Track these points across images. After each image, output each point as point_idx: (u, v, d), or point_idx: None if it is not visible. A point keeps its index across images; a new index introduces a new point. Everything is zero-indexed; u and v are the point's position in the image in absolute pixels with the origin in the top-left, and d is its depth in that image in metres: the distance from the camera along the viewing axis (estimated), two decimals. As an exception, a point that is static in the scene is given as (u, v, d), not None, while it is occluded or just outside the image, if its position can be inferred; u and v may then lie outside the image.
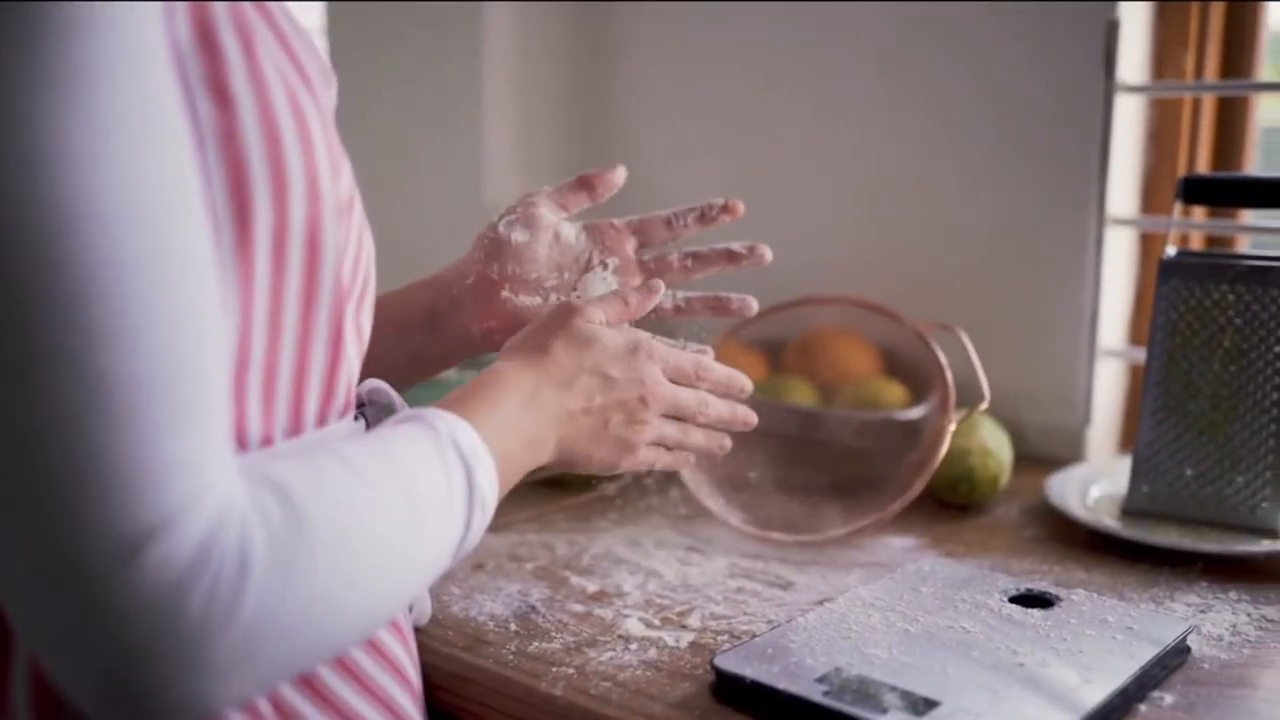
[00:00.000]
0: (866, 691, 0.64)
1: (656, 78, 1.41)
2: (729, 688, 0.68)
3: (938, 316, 1.16)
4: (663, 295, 0.80)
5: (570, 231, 0.84)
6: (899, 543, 0.95)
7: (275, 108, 0.53)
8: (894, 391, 1.10)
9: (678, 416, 0.76)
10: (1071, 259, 1.13)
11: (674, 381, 0.75)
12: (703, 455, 0.79)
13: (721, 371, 0.78)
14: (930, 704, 0.63)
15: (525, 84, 1.39)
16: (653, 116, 1.42)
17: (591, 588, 0.85)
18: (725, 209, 0.87)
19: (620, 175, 0.86)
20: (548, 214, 0.83)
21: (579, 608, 0.82)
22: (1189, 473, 0.94)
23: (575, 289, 0.83)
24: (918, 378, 1.06)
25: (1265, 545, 0.89)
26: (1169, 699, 0.68)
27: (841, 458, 1.05)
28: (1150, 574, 0.87)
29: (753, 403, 1.06)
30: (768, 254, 0.87)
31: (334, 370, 0.60)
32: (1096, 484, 1.04)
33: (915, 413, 1.05)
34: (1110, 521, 0.95)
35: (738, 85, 1.34)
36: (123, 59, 0.46)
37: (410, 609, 0.76)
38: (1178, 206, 0.97)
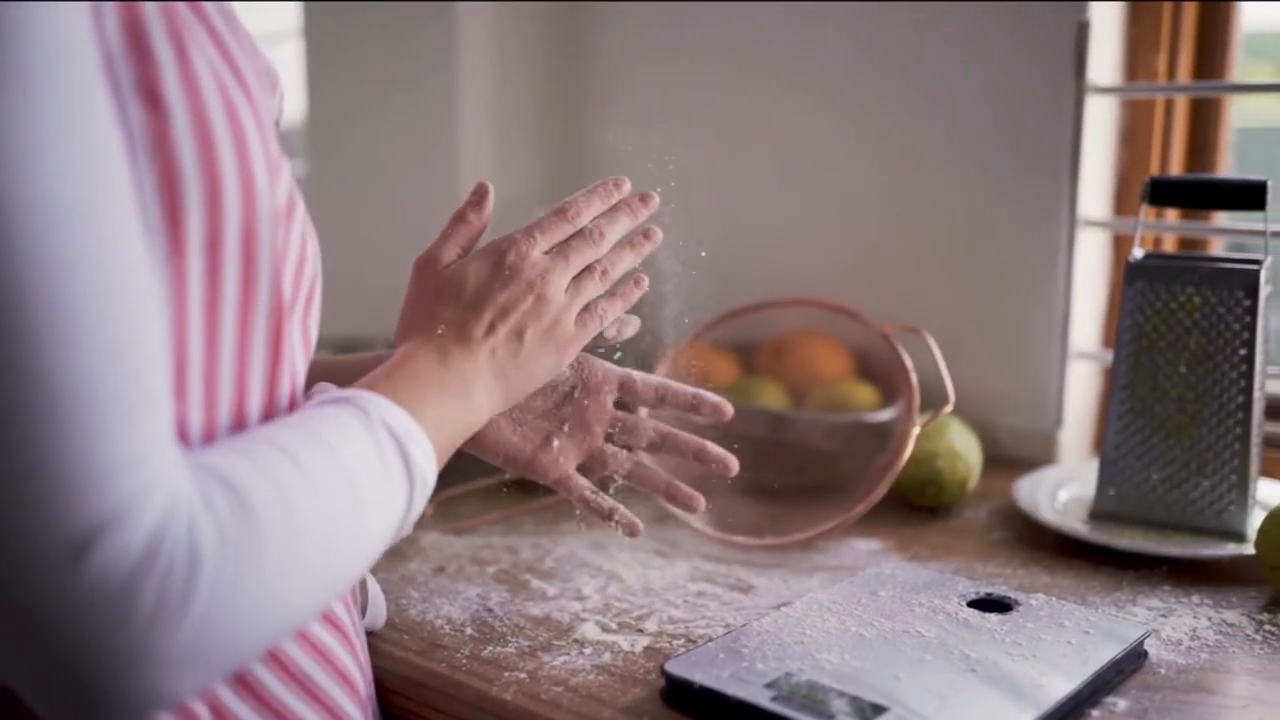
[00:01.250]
0: (815, 697, 0.64)
1: (632, 79, 1.40)
2: (678, 693, 0.68)
3: (910, 318, 1.15)
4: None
5: None
6: (864, 545, 0.95)
7: (208, 111, 0.53)
8: (864, 394, 1.10)
9: (582, 265, 0.73)
10: (1043, 261, 1.12)
11: (560, 245, 0.73)
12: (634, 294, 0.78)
13: (583, 201, 0.75)
14: (878, 709, 0.63)
15: (501, 86, 1.39)
16: (628, 118, 1.42)
17: (551, 591, 0.85)
18: (717, 412, 0.82)
19: (632, 329, 0.83)
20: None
21: (537, 611, 0.81)
22: (1155, 476, 0.94)
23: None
24: (890, 380, 1.06)
25: (1230, 549, 0.89)
26: (1122, 704, 0.68)
27: (810, 460, 1.05)
28: (1114, 577, 0.87)
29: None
30: (733, 467, 0.82)
31: (275, 375, 0.60)
32: (1066, 487, 1.03)
33: (883, 415, 1.04)
34: (1076, 525, 0.94)
35: (713, 88, 1.34)
36: (49, 60, 0.46)
37: (364, 614, 0.76)
38: (1144, 208, 0.96)
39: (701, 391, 0.83)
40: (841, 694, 0.64)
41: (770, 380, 1.15)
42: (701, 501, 0.83)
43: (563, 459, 0.79)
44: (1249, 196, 0.92)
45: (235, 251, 0.55)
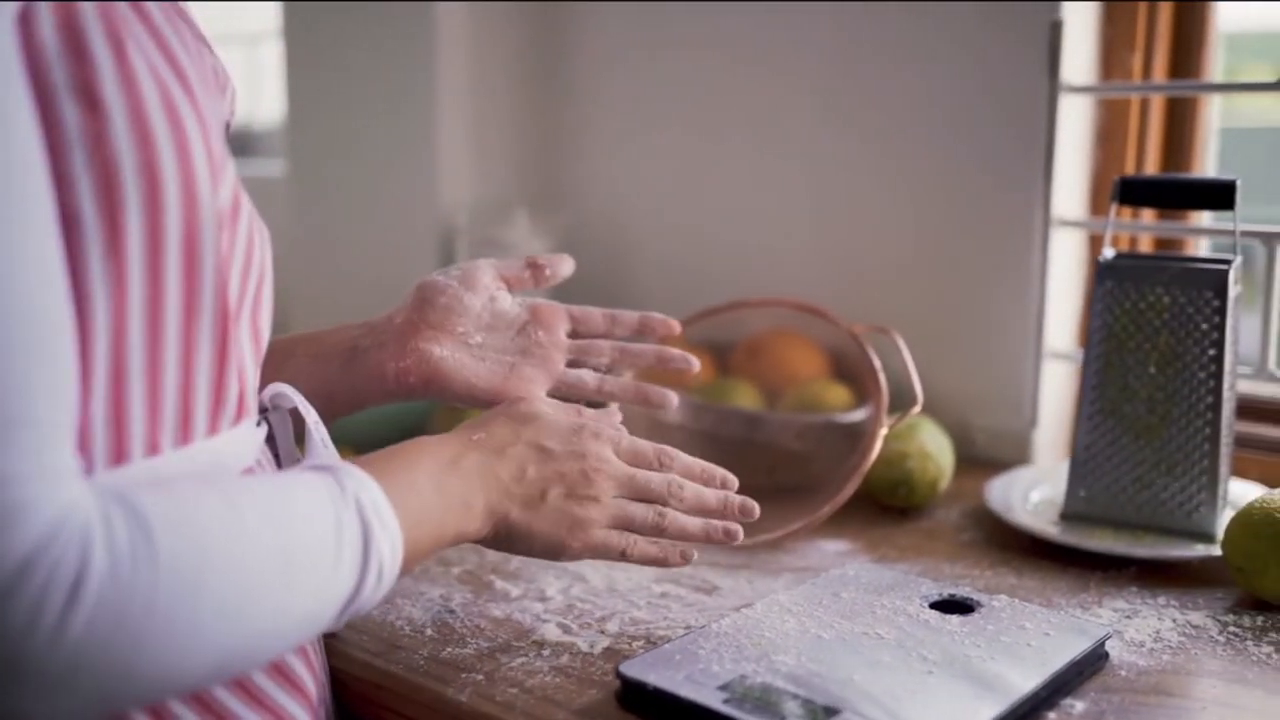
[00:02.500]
0: (767, 700, 0.64)
1: (610, 79, 1.40)
2: (633, 695, 0.67)
3: (886, 318, 1.15)
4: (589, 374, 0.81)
5: (508, 300, 0.83)
6: (832, 546, 0.94)
7: (148, 111, 0.53)
8: (837, 394, 1.10)
9: (643, 499, 0.72)
10: (1018, 261, 1.12)
11: (634, 465, 0.72)
12: (704, 544, 0.74)
13: (688, 459, 0.74)
14: (830, 712, 0.63)
15: (479, 86, 1.38)
16: (607, 117, 1.41)
17: (514, 592, 0.84)
18: (665, 329, 0.84)
19: (568, 267, 0.85)
20: (487, 279, 0.82)
21: (498, 612, 0.81)
22: (1126, 477, 0.94)
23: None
24: (864, 381, 1.06)
25: (1199, 550, 0.89)
26: (1080, 706, 0.67)
27: (782, 461, 1.04)
28: (1082, 578, 0.87)
29: (692, 405, 1.06)
30: (696, 365, 0.85)
31: (222, 377, 0.59)
32: (1039, 487, 1.03)
33: (855, 416, 1.04)
34: (1045, 526, 0.94)
35: (691, 88, 1.33)
36: None
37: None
38: (1114, 208, 0.96)
39: (648, 314, 0.85)
40: (795, 696, 0.64)
41: (745, 381, 1.15)
42: (673, 398, 0.83)
43: (530, 385, 0.80)
44: (1218, 196, 0.92)
45: (177, 252, 0.55)
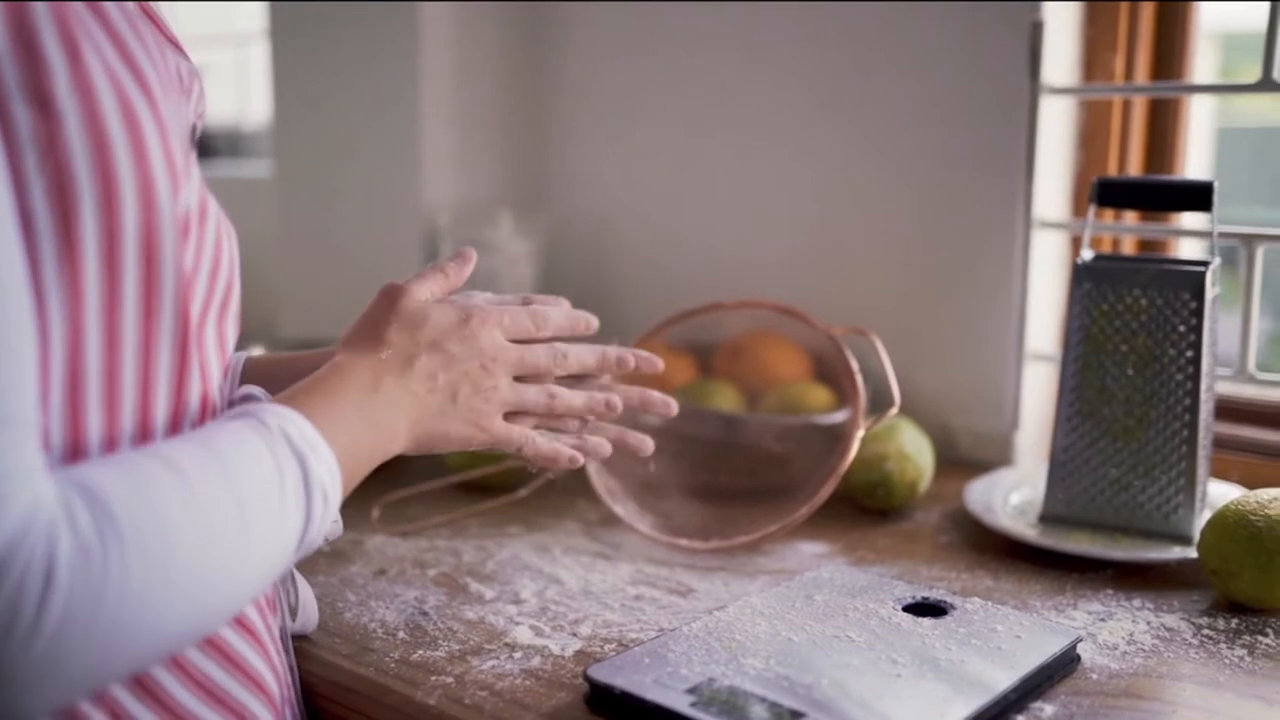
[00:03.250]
0: (734, 703, 0.64)
1: (595, 79, 1.40)
2: (600, 698, 0.67)
3: (868, 320, 1.15)
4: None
5: None
6: (810, 549, 0.94)
7: (103, 116, 0.52)
8: (819, 396, 1.09)
9: (534, 377, 0.75)
10: (999, 262, 1.12)
11: (521, 341, 0.75)
12: (589, 417, 0.78)
13: (558, 314, 0.77)
14: (796, 715, 0.62)
15: (463, 86, 1.38)
16: (591, 118, 1.41)
17: (489, 594, 0.84)
18: (642, 369, 0.83)
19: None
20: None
21: (472, 615, 0.81)
22: (1103, 479, 0.93)
23: None
24: (844, 383, 1.05)
25: (1176, 552, 0.88)
26: (1049, 709, 0.67)
27: (762, 462, 1.04)
28: (1058, 581, 0.86)
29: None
30: (674, 408, 0.84)
31: (183, 379, 0.59)
32: (1020, 489, 1.03)
33: (835, 417, 1.04)
34: (1022, 528, 0.94)
35: (675, 87, 1.33)
36: None
37: (294, 618, 0.76)
38: (1093, 210, 0.96)
39: (635, 351, 0.84)
40: (762, 699, 0.64)
41: (726, 382, 1.14)
42: (650, 442, 0.83)
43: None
44: (1195, 198, 0.92)
45: (134, 257, 0.55)
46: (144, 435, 0.57)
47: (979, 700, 0.65)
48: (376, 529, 0.97)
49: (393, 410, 0.68)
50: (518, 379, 0.75)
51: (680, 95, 1.33)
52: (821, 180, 1.24)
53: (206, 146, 1.94)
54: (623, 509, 0.96)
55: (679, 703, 0.64)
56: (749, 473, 1.04)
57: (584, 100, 1.41)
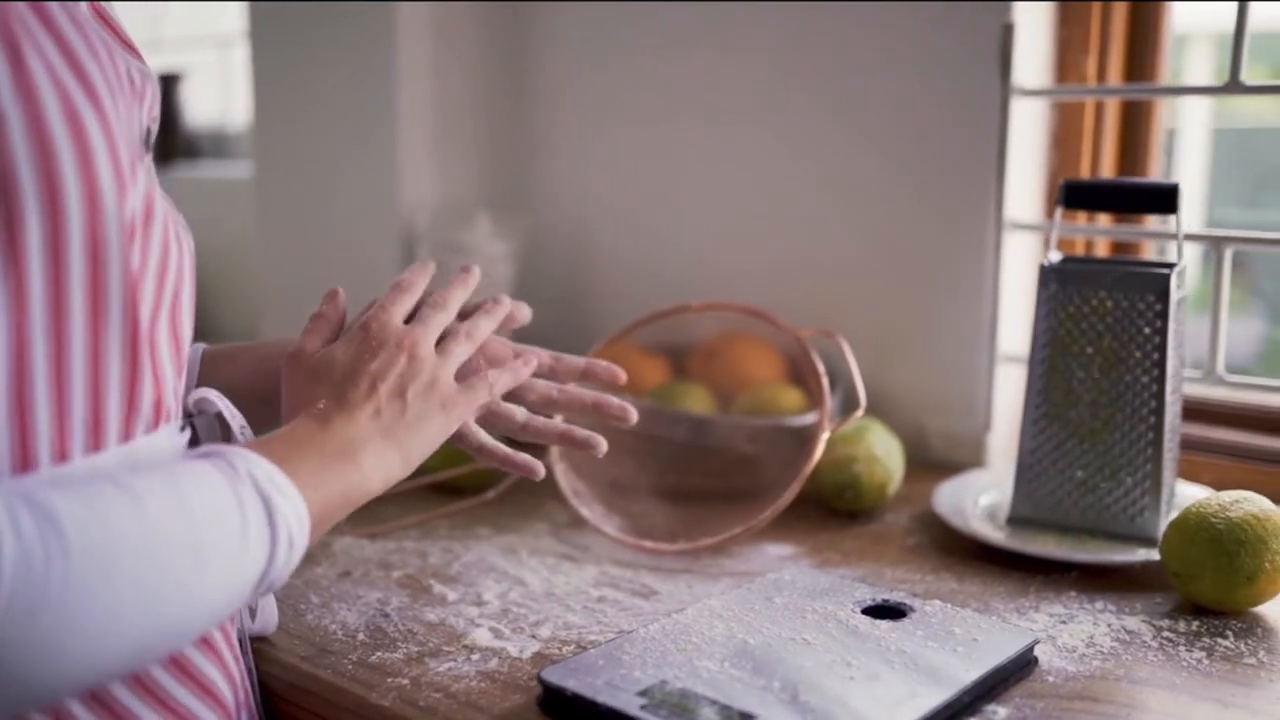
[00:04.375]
0: (685, 705, 0.64)
1: (573, 81, 1.40)
2: (553, 700, 0.67)
3: (840, 322, 1.15)
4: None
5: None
6: (776, 551, 0.94)
7: (46, 119, 0.52)
8: (790, 397, 1.09)
9: (442, 331, 0.75)
10: (972, 264, 1.12)
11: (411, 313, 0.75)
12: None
13: (419, 277, 0.77)
14: (746, 717, 0.62)
15: (440, 88, 1.38)
16: (569, 120, 1.41)
17: (452, 596, 0.84)
18: (610, 375, 0.84)
19: (525, 315, 0.84)
20: None
21: (433, 617, 0.81)
22: (1070, 481, 0.93)
23: None
24: (813, 384, 1.05)
25: (1140, 554, 0.88)
26: (1003, 712, 0.67)
27: (733, 464, 1.04)
28: (1022, 583, 0.86)
29: (643, 409, 1.06)
30: (633, 415, 0.82)
31: (135, 383, 0.59)
32: (989, 491, 1.03)
33: (804, 419, 1.04)
34: (989, 530, 0.94)
35: (652, 89, 1.33)
36: None
37: (253, 619, 0.76)
38: (1059, 211, 0.96)
39: (593, 360, 0.85)
40: (713, 702, 0.64)
41: (699, 384, 1.14)
42: (602, 442, 0.80)
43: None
44: (1161, 200, 0.92)
45: (80, 261, 0.55)
46: (95, 440, 0.58)
47: (931, 702, 0.65)
48: (345, 530, 0.97)
49: (355, 445, 0.66)
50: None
51: (658, 97, 1.33)
52: (793, 182, 1.24)
53: (191, 148, 1.94)
54: (589, 510, 0.96)
55: (629, 705, 0.64)
56: (719, 474, 1.04)
57: (562, 102, 1.41)
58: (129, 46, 0.65)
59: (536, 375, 0.82)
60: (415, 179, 1.37)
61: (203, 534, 0.54)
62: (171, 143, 1.91)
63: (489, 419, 0.78)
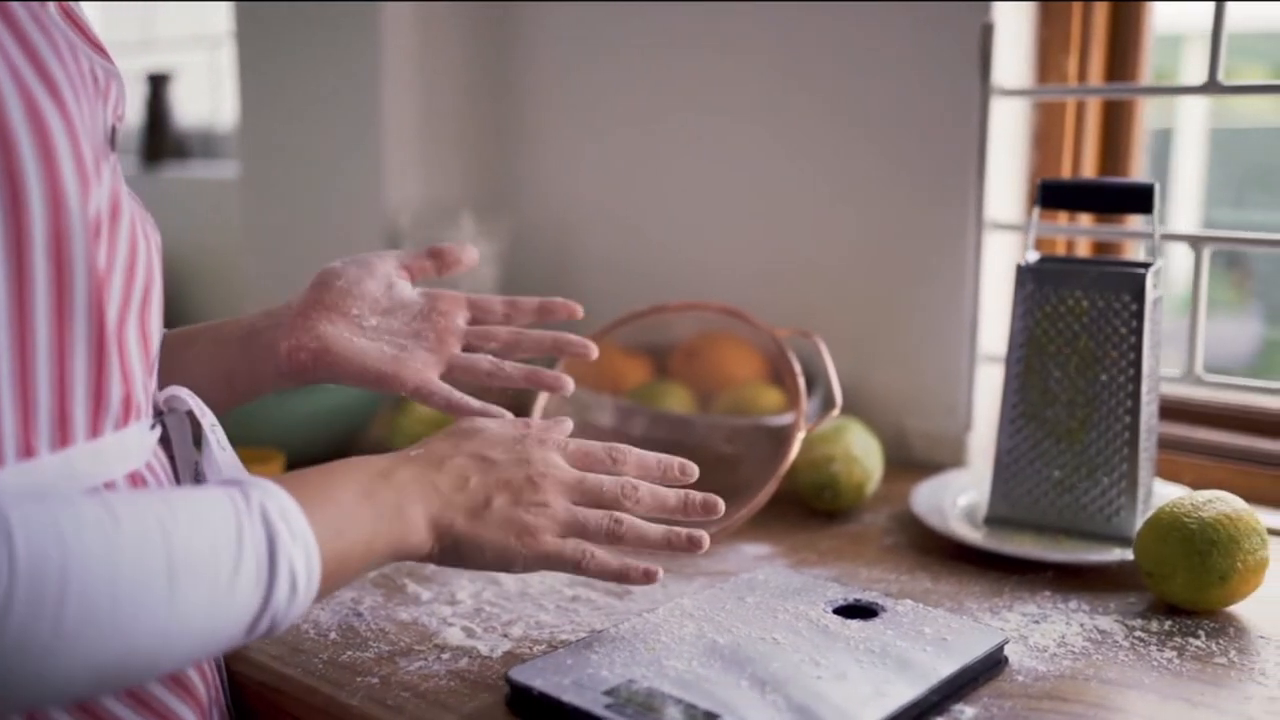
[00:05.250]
0: (650, 705, 0.64)
1: (556, 82, 1.40)
2: (520, 699, 0.67)
3: (822, 321, 1.15)
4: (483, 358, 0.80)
5: (407, 288, 0.83)
6: (752, 550, 0.94)
7: (9, 118, 0.53)
8: (770, 397, 1.09)
9: (595, 504, 0.70)
10: (952, 264, 1.12)
11: (584, 468, 0.70)
12: (664, 552, 0.72)
13: (643, 455, 0.72)
14: (711, 717, 0.63)
15: (426, 87, 1.38)
16: (552, 120, 1.41)
17: (425, 595, 0.84)
18: (564, 313, 0.83)
19: (472, 256, 0.84)
20: (388, 267, 0.82)
21: (405, 616, 0.81)
22: (1047, 481, 0.93)
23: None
24: (790, 384, 1.05)
25: (1116, 554, 0.89)
26: (970, 712, 0.67)
27: (712, 464, 1.04)
28: (997, 583, 0.86)
29: (623, 408, 1.06)
30: (593, 350, 0.84)
31: (101, 380, 0.59)
32: (968, 491, 1.03)
33: (782, 419, 1.04)
34: (965, 530, 0.94)
35: (635, 89, 1.33)
36: None
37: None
38: (1036, 211, 0.96)
39: (548, 299, 0.85)
40: (679, 701, 0.64)
41: (680, 384, 1.14)
42: (569, 381, 0.82)
43: (421, 367, 0.78)
44: (1137, 200, 0.92)
45: (44, 257, 0.55)
46: (62, 436, 0.58)
47: (897, 701, 0.65)
48: (322, 530, 0.97)
49: (404, 496, 0.63)
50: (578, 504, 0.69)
51: (642, 97, 1.33)
52: (774, 181, 1.24)
53: (181, 148, 1.94)
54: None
55: (594, 704, 0.64)
56: (699, 474, 1.04)
57: (546, 102, 1.41)
58: (96, 46, 0.65)
59: (494, 322, 0.83)
60: (400, 178, 1.38)
61: (181, 564, 0.51)
62: (161, 142, 1.91)
63: (456, 373, 0.79)
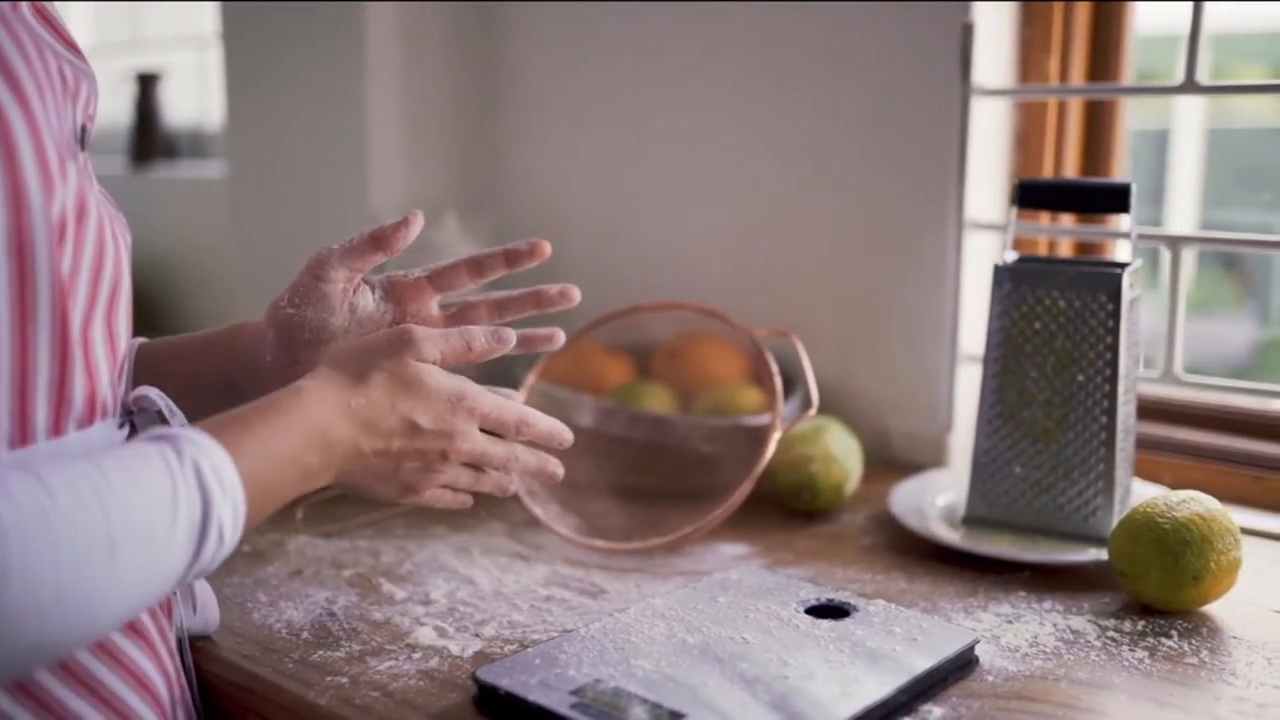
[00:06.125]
0: (616, 704, 0.64)
1: (541, 82, 1.40)
2: (487, 699, 0.67)
3: (804, 321, 1.15)
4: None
5: (366, 300, 0.79)
6: (729, 550, 0.94)
7: None
8: (750, 397, 1.09)
9: (479, 465, 0.74)
10: (933, 264, 1.12)
11: (491, 432, 0.73)
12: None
13: (545, 424, 0.75)
14: (676, 716, 0.62)
15: (410, 88, 1.38)
16: (536, 120, 1.41)
17: (400, 595, 0.84)
18: (531, 252, 0.81)
19: (416, 226, 0.78)
20: (338, 285, 0.77)
21: (379, 615, 0.81)
22: (1024, 481, 0.93)
23: None
24: (767, 384, 1.05)
25: (1091, 554, 0.88)
26: (938, 711, 0.67)
27: (691, 464, 1.04)
28: (972, 583, 0.86)
29: (603, 408, 1.06)
30: (576, 294, 0.83)
31: (64, 380, 0.59)
32: (947, 491, 1.03)
33: (761, 419, 1.04)
34: (942, 530, 0.94)
35: (619, 90, 1.33)
36: None
37: (194, 612, 0.75)
38: (1013, 211, 0.96)
39: (512, 245, 0.82)
40: (644, 701, 0.64)
41: (661, 384, 1.14)
42: (559, 333, 0.84)
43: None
44: (1114, 199, 0.92)
45: (4, 257, 0.55)
46: (22, 434, 0.58)
47: (864, 701, 0.65)
48: (300, 529, 0.97)
49: (331, 459, 0.66)
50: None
51: (625, 97, 1.33)
52: (755, 182, 1.24)
53: (170, 148, 1.94)
54: (544, 510, 0.95)
55: (560, 704, 0.64)
56: (677, 474, 1.04)
57: (530, 102, 1.41)
58: (70, 45, 0.65)
59: (461, 288, 0.82)
60: (384, 178, 1.37)
61: (120, 529, 0.52)
62: (150, 142, 1.91)
63: (449, 360, 0.77)
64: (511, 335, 0.75)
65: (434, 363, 0.70)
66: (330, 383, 0.67)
